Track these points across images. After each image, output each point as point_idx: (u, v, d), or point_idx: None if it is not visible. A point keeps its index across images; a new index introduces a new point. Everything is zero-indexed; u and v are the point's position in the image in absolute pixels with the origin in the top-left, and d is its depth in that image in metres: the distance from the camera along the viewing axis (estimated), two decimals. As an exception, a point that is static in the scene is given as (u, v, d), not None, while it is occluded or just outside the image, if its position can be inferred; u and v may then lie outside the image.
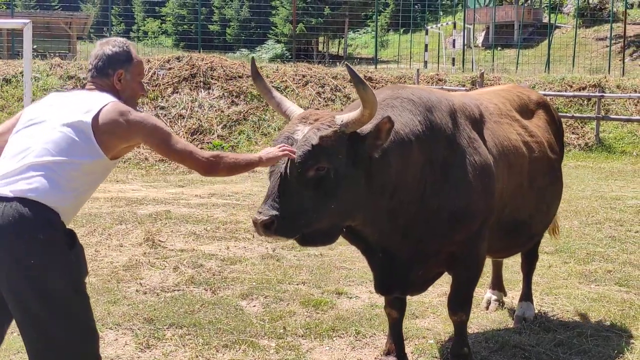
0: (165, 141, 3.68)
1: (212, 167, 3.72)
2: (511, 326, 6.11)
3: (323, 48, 51.63)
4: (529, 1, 51.67)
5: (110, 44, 3.87)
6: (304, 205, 4.01)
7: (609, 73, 25.85)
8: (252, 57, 4.59)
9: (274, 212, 3.91)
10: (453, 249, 4.78)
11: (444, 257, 4.82)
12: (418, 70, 21.49)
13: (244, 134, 18.19)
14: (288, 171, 3.99)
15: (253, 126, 18.53)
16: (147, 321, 6.07)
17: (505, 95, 5.92)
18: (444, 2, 51.76)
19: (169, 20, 56.37)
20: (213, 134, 17.92)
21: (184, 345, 5.61)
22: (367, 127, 4.13)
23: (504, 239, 5.35)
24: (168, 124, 17.71)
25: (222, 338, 5.75)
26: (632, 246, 8.85)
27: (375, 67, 25.96)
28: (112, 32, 26.72)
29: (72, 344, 3.51)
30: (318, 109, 4.13)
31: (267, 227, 3.90)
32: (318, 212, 4.05)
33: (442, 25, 39.45)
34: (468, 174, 4.64)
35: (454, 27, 34.46)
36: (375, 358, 5.42)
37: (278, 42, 51.80)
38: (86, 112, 3.57)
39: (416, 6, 46.62)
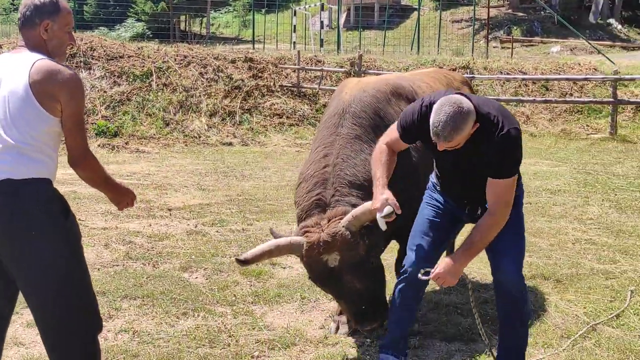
0: (81, 112, 3.78)
1: (86, 160, 3.82)
2: (438, 288, 6.76)
3: (185, 27, 51.31)
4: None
5: None
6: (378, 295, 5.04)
7: (472, 54, 27.14)
8: (236, 259, 4.95)
9: (377, 321, 4.96)
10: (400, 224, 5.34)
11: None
12: (299, 52, 22.04)
13: (128, 114, 18.22)
14: (360, 287, 4.85)
15: (137, 106, 18.56)
16: (100, 294, 6.33)
17: (434, 75, 6.57)
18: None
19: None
20: (97, 114, 17.86)
21: (144, 314, 5.97)
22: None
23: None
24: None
25: (179, 307, 6.14)
26: (533, 216, 9.58)
27: (253, 47, 26.35)
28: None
29: (78, 309, 3.79)
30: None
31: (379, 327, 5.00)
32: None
33: (309, 6, 40.06)
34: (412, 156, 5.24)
35: (322, 8, 35.13)
36: (326, 318, 5.95)
37: (138, 20, 51.06)
38: (22, 80, 3.62)
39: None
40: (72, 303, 3.77)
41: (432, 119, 4.06)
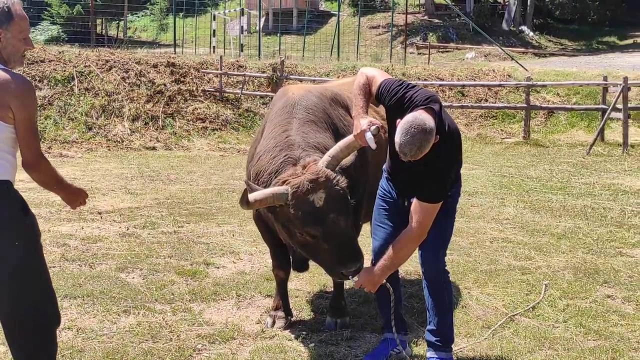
0: (33, 118, 3.94)
1: (40, 163, 3.97)
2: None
3: (101, 30, 50.82)
4: (306, -11, 53.35)
5: None
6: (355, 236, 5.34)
7: (390, 60, 27.69)
8: (245, 189, 4.88)
9: (359, 261, 4.94)
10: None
11: None
12: (221, 57, 22.22)
13: (50, 118, 18.18)
14: (344, 225, 4.94)
15: (59, 111, 18.54)
16: (40, 294, 6.51)
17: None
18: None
19: None
20: (18, 119, 17.76)
21: (86, 313, 6.16)
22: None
23: (366, 207, 6.27)
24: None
25: (120, 305, 6.34)
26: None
27: (174, 52, 26.39)
28: None
29: (39, 303, 4.01)
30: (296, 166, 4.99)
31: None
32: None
33: (228, 11, 40.19)
34: (352, 165, 5.53)
35: (242, 13, 35.31)
36: (262, 314, 6.24)
37: (54, 23, 50.41)
38: None
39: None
40: (32, 297, 3.97)
41: (399, 138, 4.40)
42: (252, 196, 4.85)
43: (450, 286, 5.29)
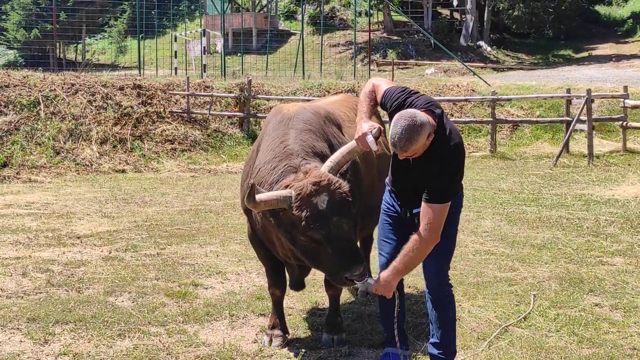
0: None
1: None
2: (360, 299, 7.17)
3: (59, 54, 50.48)
4: (264, 9, 53.51)
5: None
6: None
7: (354, 78, 27.86)
8: (252, 184, 4.91)
9: (362, 264, 4.98)
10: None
11: None
12: (188, 78, 22.20)
13: (17, 144, 18.01)
14: (347, 229, 4.99)
15: (26, 136, 18.39)
16: (31, 320, 6.45)
17: (346, 104, 6.93)
18: (181, 9, 52.42)
19: None
20: (-16, 145, 17.61)
21: (80, 337, 6.11)
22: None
23: (361, 222, 6.33)
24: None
25: (113, 329, 6.31)
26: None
27: (140, 74, 26.32)
28: None
29: None
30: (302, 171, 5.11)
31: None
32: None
33: (190, 32, 40.13)
34: (348, 170, 5.60)
35: (204, 34, 35.31)
36: (257, 333, 6.25)
37: (10, 48, 50.10)
38: None
39: (152, 12, 46.96)
40: None
41: (390, 131, 4.54)
42: (258, 197, 4.91)
43: (454, 299, 5.32)
